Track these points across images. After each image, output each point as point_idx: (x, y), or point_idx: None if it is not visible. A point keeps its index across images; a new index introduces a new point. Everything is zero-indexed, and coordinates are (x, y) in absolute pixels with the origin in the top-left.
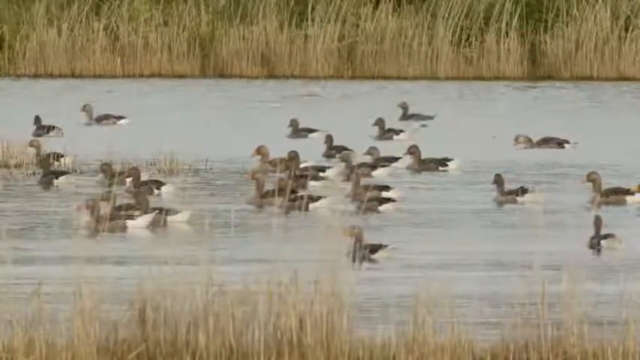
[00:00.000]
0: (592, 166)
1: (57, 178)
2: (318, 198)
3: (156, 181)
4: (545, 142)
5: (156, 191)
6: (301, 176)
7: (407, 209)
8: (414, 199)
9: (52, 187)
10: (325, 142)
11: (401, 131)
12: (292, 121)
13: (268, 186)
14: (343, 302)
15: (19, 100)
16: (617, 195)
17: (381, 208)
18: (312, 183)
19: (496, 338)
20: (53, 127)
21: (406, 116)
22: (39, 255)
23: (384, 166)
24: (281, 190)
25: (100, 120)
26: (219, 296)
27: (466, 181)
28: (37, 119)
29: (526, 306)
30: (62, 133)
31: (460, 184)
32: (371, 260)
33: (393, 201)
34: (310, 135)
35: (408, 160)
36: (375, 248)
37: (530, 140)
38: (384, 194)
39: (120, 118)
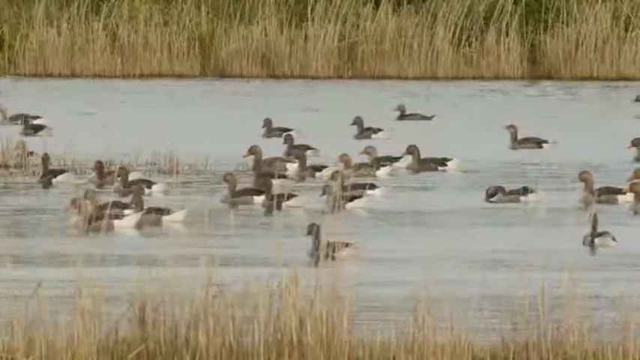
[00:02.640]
0: (585, 166)
1: (55, 177)
2: (292, 197)
3: (146, 180)
4: (525, 141)
5: (147, 190)
6: (265, 175)
7: (406, 209)
8: (413, 198)
9: (51, 187)
10: (285, 143)
11: (379, 130)
12: (266, 120)
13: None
14: (343, 302)
15: (20, 99)
16: (609, 194)
17: (348, 206)
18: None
19: (496, 338)
20: (42, 127)
21: (404, 117)
22: (39, 255)
23: (383, 165)
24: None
25: (14, 119)
26: (219, 296)
27: (465, 181)
28: (26, 119)
29: (526, 306)
30: (51, 133)
31: (459, 184)
32: (335, 259)
33: (361, 197)
34: (285, 135)
35: (407, 159)
36: (339, 246)
37: (516, 138)
38: (355, 193)
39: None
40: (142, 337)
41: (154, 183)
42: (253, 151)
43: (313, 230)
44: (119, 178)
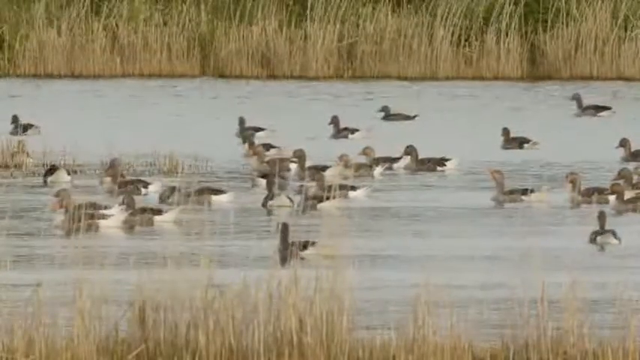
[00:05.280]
0: (579, 165)
1: (47, 177)
2: (273, 196)
3: (141, 180)
4: (512, 141)
5: (143, 190)
6: (266, 175)
7: (408, 209)
8: (413, 198)
9: (46, 186)
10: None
11: (356, 130)
12: (240, 119)
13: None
14: (343, 302)
15: (19, 99)
16: (599, 195)
17: (319, 206)
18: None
19: (496, 338)
20: (31, 126)
21: (388, 117)
22: (38, 255)
23: (381, 165)
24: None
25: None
26: (219, 297)
27: (465, 181)
28: (15, 118)
29: (526, 306)
30: (40, 132)
31: (459, 184)
32: (301, 258)
33: (334, 198)
34: (257, 134)
35: (406, 160)
36: (303, 245)
37: (507, 138)
38: (335, 194)
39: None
40: (142, 338)
41: (150, 183)
42: (256, 150)
43: (280, 229)
44: (110, 179)
